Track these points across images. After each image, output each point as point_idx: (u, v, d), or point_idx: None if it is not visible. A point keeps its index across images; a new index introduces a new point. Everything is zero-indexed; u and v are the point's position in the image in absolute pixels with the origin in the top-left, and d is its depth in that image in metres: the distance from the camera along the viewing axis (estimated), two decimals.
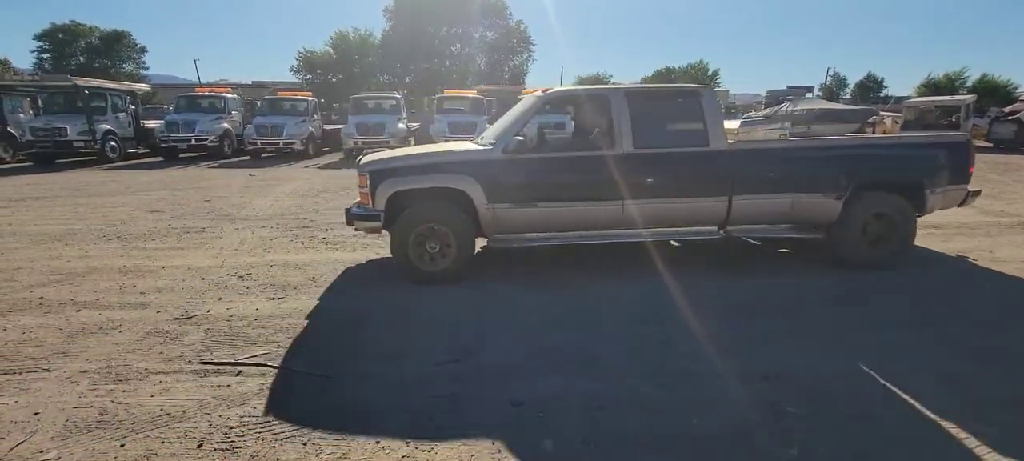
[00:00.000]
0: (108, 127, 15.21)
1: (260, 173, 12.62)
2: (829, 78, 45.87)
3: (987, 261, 5.14)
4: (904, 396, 2.74)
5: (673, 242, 4.77)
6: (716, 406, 2.64)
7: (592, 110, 4.93)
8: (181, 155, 16.21)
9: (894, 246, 4.79)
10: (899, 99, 29.06)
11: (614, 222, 4.60)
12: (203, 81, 34.74)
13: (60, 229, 6.60)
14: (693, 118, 4.61)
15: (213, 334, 3.49)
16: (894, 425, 2.49)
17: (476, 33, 39.45)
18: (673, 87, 4.93)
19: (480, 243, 4.70)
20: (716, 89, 21.63)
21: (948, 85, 40.68)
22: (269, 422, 2.51)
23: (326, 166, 14.30)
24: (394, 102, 18.11)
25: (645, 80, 42.53)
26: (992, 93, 36.18)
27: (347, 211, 4.81)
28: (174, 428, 2.46)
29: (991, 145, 17.98)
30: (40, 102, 16.62)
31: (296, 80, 36.16)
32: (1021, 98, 23.06)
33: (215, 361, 3.11)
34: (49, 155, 14.53)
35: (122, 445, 2.33)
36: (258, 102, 19.14)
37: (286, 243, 5.92)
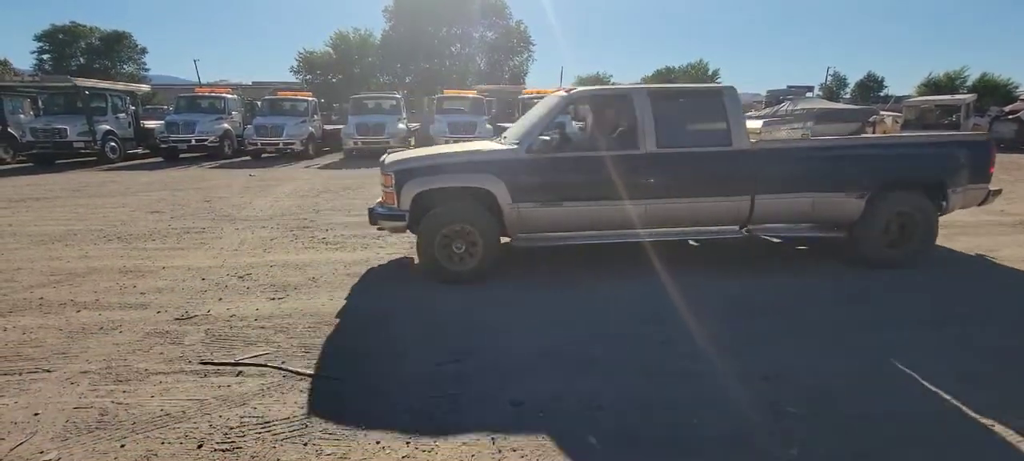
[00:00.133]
0: (108, 128, 15.21)
1: (260, 173, 12.62)
2: (829, 77, 45.87)
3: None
4: (906, 395, 2.74)
5: (692, 242, 4.78)
6: (716, 406, 2.64)
7: (615, 110, 4.95)
8: (181, 155, 16.21)
9: (916, 245, 4.80)
10: (899, 98, 29.06)
11: (637, 221, 4.62)
12: (203, 81, 34.79)
13: (60, 230, 6.60)
14: (716, 118, 4.63)
15: (213, 334, 3.49)
16: (895, 425, 2.49)
17: (476, 33, 39.46)
18: (696, 87, 4.94)
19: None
20: None
21: (948, 84, 40.69)
22: (269, 422, 2.51)
23: (326, 166, 14.30)
24: (394, 102, 18.12)
25: (645, 80, 42.53)
26: (992, 92, 36.18)
27: (371, 210, 4.83)
28: (174, 428, 2.46)
29: None
30: (40, 103, 16.62)
31: (296, 80, 36.19)
32: (1021, 97, 23.05)
33: (215, 361, 3.11)
34: (49, 156, 14.54)
35: (122, 446, 2.33)
36: (258, 102, 19.15)
37: (286, 243, 5.92)
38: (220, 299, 4.16)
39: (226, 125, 16.65)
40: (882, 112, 18.92)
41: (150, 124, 17.04)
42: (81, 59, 42.38)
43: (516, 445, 2.34)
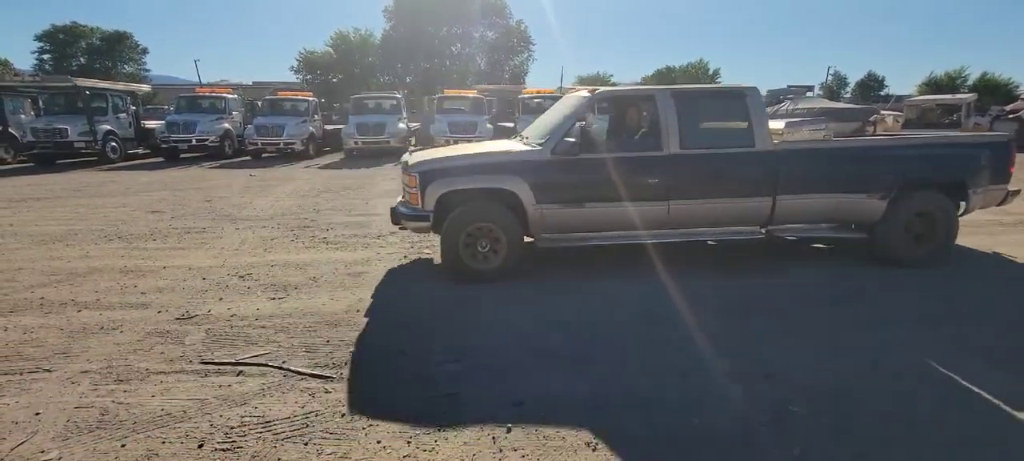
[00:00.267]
0: (109, 128, 15.22)
1: (261, 173, 12.62)
2: (830, 77, 45.88)
3: None
4: (906, 395, 2.73)
5: (709, 242, 4.79)
6: (717, 405, 2.64)
7: (638, 111, 4.95)
8: (182, 155, 16.22)
9: (937, 244, 4.81)
10: (900, 98, 29.05)
11: (660, 222, 4.63)
12: (204, 81, 34.82)
13: (61, 229, 6.61)
14: (739, 118, 4.65)
15: (214, 334, 3.49)
16: (896, 425, 2.49)
17: (476, 33, 39.49)
18: (719, 87, 4.96)
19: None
20: None
21: (949, 84, 40.70)
22: (270, 422, 2.51)
23: (326, 166, 14.30)
24: (394, 102, 18.11)
25: (645, 79, 42.54)
26: (993, 91, 36.21)
27: (393, 210, 4.85)
28: (175, 428, 2.46)
29: None
30: (41, 103, 16.62)
31: (297, 80, 36.21)
32: (1022, 96, 23.03)
33: (216, 361, 3.11)
34: (50, 156, 14.55)
35: (123, 445, 2.34)
36: (259, 102, 19.15)
37: (287, 243, 5.92)
38: (221, 299, 4.17)
39: (227, 125, 16.65)
40: (883, 111, 18.92)
41: (151, 124, 17.04)
42: (82, 59, 42.46)
43: (517, 444, 2.34)
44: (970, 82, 41.51)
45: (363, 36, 38.43)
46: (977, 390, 2.78)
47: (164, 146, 15.67)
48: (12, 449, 2.31)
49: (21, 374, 2.97)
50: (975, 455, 2.29)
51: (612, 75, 46.55)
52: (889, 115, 18.38)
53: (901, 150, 4.92)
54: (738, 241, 4.74)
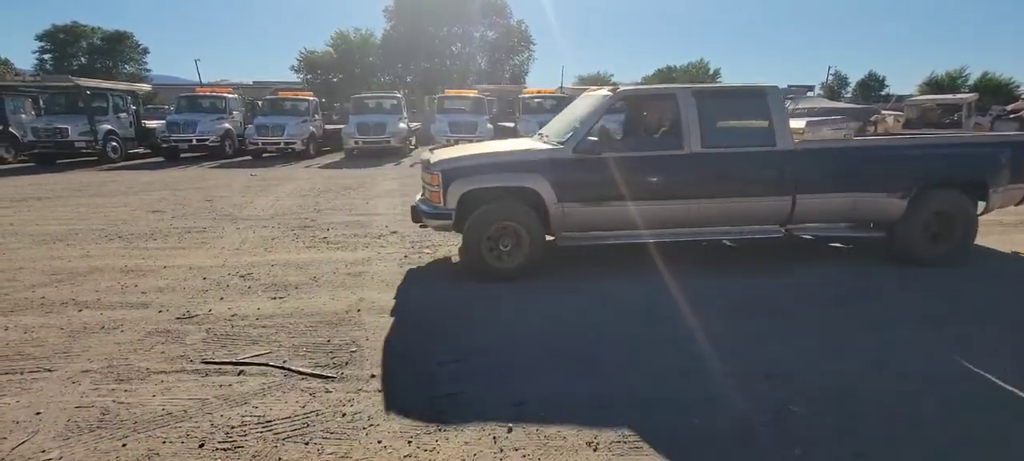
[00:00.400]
0: (109, 127, 15.22)
1: (261, 173, 12.63)
2: (830, 77, 45.87)
3: None
4: (907, 395, 2.73)
5: (726, 241, 4.80)
6: (718, 405, 2.63)
7: (659, 109, 4.94)
8: (182, 155, 16.22)
9: (957, 244, 4.82)
10: (900, 97, 29.03)
11: (680, 221, 4.64)
12: (204, 81, 34.83)
13: (62, 229, 6.61)
14: (760, 117, 4.66)
15: (215, 334, 3.49)
16: (896, 425, 2.48)
17: (477, 32, 39.49)
18: (740, 86, 4.96)
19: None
20: None
21: (950, 84, 40.69)
22: (271, 421, 2.51)
23: (327, 166, 14.30)
24: (395, 102, 18.11)
25: (646, 79, 42.54)
26: (994, 91, 36.21)
27: (414, 208, 4.87)
28: (176, 427, 2.46)
29: None
30: (42, 102, 16.63)
31: (297, 80, 36.22)
32: (1022, 96, 23.02)
33: (217, 361, 3.11)
34: (51, 155, 14.55)
35: (124, 445, 2.33)
36: (259, 102, 19.14)
37: (287, 243, 5.92)
38: (221, 298, 4.16)
39: (227, 125, 16.65)
40: (883, 111, 18.91)
41: (151, 124, 17.03)
42: (82, 59, 42.49)
43: (518, 444, 2.34)
44: (971, 82, 41.50)
45: (363, 36, 38.44)
46: (980, 390, 2.78)
47: (165, 146, 15.66)
48: (13, 449, 2.31)
49: (22, 373, 2.97)
50: (978, 455, 2.29)
51: (613, 75, 46.54)
52: (890, 115, 18.37)
53: (922, 149, 4.93)
54: (756, 240, 4.75)
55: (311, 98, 18.46)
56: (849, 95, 46.66)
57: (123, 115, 16.03)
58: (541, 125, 16.72)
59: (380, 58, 37.67)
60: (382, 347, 3.31)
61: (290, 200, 8.76)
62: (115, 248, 5.72)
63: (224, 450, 2.30)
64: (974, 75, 42.58)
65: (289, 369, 3.00)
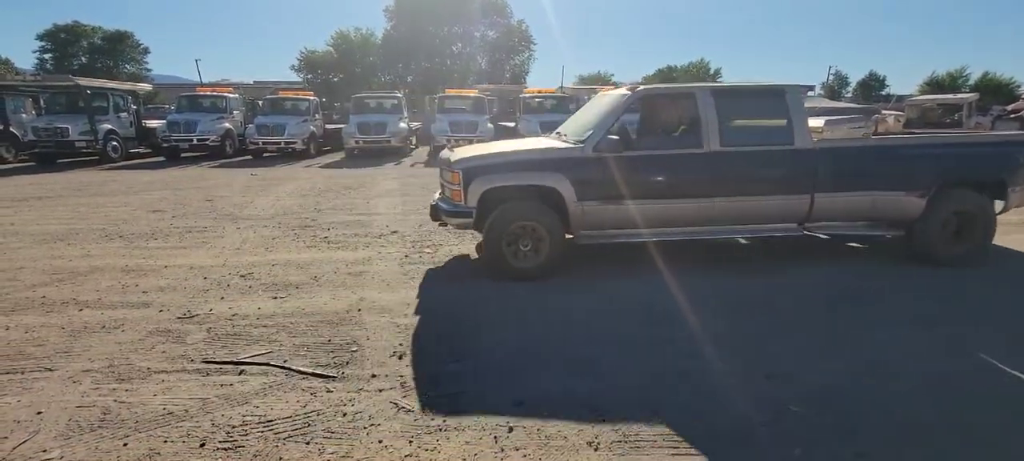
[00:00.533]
0: (110, 127, 15.21)
1: (262, 173, 12.63)
2: (831, 76, 45.86)
3: None
4: (908, 394, 2.73)
5: (741, 240, 4.81)
6: (718, 405, 2.63)
7: (678, 108, 4.95)
8: (183, 155, 16.22)
9: (976, 242, 4.82)
10: (901, 97, 29.01)
11: (698, 219, 4.66)
12: (205, 81, 34.83)
13: (62, 229, 6.61)
14: (778, 116, 4.66)
15: (215, 333, 3.49)
16: (897, 425, 2.48)
17: (477, 32, 39.47)
18: (759, 85, 4.99)
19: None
20: None
21: (950, 83, 40.68)
22: (271, 421, 2.51)
23: (327, 165, 14.30)
24: (395, 101, 18.13)
25: (646, 79, 42.53)
26: (994, 91, 36.19)
27: (433, 206, 4.90)
28: (177, 427, 2.46)
29: None
30: (42, 102, 16.63)
31: (298, 80, 36.22)
32: (1023, 96, 23.00)
33: (218, 360, 3.11)
34: (51, 155, 14.55)
35: (125, 444, 2.34)
36: (260, 102, 19.15)
37: (288, 242, 5.93)
38: (222, 298, 4.17)
39: (227, 124, 16.65)
40: (884, 111, 18.89)
41: (152, 123, 17.04)
42: (83, 58, 42.51)
43: (519, 443, 2.34)
44: (971, 82, 41.49)
45: (364, 35, 38.44)
46: (980, 390, 2.78)
47: (165, 145, 15.67)
48: (14, 448, 2.31)
49: (23, 373, 2.97)
50: (978, 455, 2.29)
51: (613, 75, 46.55)
52: (890, 115, 18.34)
53: (941, 148, 4.93)
54: (769, 239, 4.75)
55: (311, 98, 18.46)
56: (849, 95, 46.64)
57: (123, 115, 16.03)
58: (542, 125, 16.69)
59: (380, 58, 37.66)
60: (382, 346, 3.31)
61: (291, 200, 8.76)
62: (116, 248, 5.72)
63: (225, 450, 2.30)
64: (975, 75, 42.60)
65: (290, 369, 3.01)
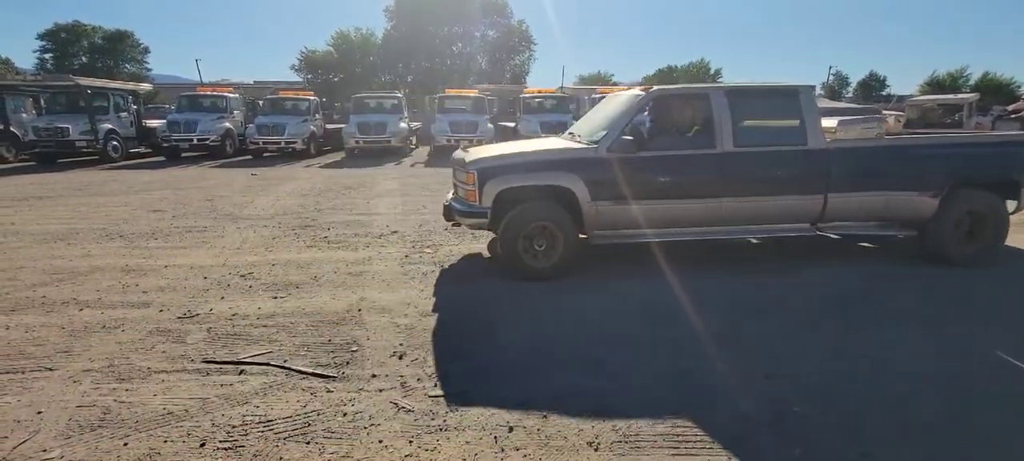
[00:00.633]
0: (110, 127, 15.21)
1: (262, 172, 12.63)
2: (831, 76, 45.86)
3: None
4: (909, 395, 2.73)
5: (752, 239, 4.83)
6: (720, 405, 2.63)
7: (692, 109, 4.96)
8: (183, 155, 16.22)
9: (988, 242, 4.83)
10: (901, 97, 29.01)
11: (712, 219, 4.68)
12: (205, 80, 34.84)
13: (62, 228, 6.61)
14: (792, 117, 4.68)
15: (215, 333, 3.49)
16: (898, 425, 2.48)
17: (477, 32, 39.45)
18: (772, 86, 5.00)
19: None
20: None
21: (951, 83, 40.68)
22: (271, 421, 2.51)
23: (328, 165, 14.30)
24: (396, 101, 18.12)
25: (647, 79, 42.52)
26: (995, 91, 36.18)
27: (447, 206, 4.92)
28: (177, 427, 2.46)
29: None
30: (42, 102, 16.62)
31: (298, 79, 36.22)
32: (1023, 96, 23.00)
33: (218, 360, 3.11)
34: (51, 155, 14.55)
35: (125, 444, 2.34)
36: (260, 102, 19.14)
37: (288, 242, 5.93)
38: (222, 298, 4.17)
39: (228, 124, 16.65)
40: (884, 111, 18.89)
41: (152, 123, 17.03)
42: (83, 58, 42.50)
43: (519, 443, 2.34)
44: (972, 82, 41.49)
45: (364, 35, 38.42)
46: (982, 390, 2.78)
47: (165, 145, 15.66)
48: (14, 448, 2.31)
49: (23, 373, 2.97)
50: (982, 455, 2.29)
51: (613, 75, 46.56)
52: (891, 115, 18.34)
53: (955, 148, 4.93)
54: (779, 239, 4.76)
55: (312, 98, 18.45)
56: (850, 95, 46.62)
57: (124, 114, 16.03)
58: (542, 125, 16.64)
59: (381, 58, 37.64)
60: (382, 346, 3.30)
61: (291, 200, 8.76)
62: (116, 247, 5.72)
63: (225, 449, 2.30)
64: (975, 75, 42.59)
65: (290, 368, 3.01)
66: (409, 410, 2.60)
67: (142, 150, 16.77)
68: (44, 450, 2.29)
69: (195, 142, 15.66)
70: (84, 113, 14.57)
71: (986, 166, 4.84)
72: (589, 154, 4.56)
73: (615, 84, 36.84)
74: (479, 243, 5.81)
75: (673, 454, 2.28)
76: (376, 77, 37.17)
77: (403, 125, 16.95)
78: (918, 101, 19.59)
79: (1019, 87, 38.58)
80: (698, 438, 2.38)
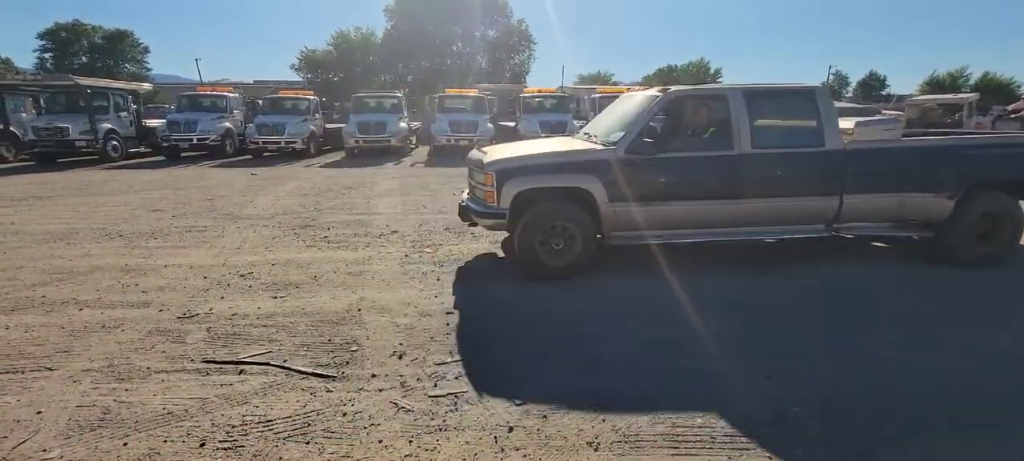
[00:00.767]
0: (110, 126, 15.19)
1: (262, 172, 12.62)
2: (831, 76, 45.84)
3: None
4: (910, 395, 2.73)
5: (767, 239, 4.84)
6: (720, 405, 2.63)
7: (709, 110, 4.97)
8: (183, 154, 16.20)
9: (1004, 244, 4.82)
10: (901, 97, 29.01)
11: (728, 220, 4.69)
12: (205, 80, 34.85)
13: (62, 228, 6.61)
14: (809, 117, 4.69)
15: (215, 333, 3.49)
16: (899, 425, 2.48)
17: (477, 32, 39.40)
18: (789, 86, 5.01)
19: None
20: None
21: (951, 83, 40.69)
22: (271, 421, 2.51)
23: (327, 165, 14.29)
24: (395, 101, 18.10)
25: (647, 79, 42.52)
26: (995, 91, 36.20)
27: (463, 206, 4.94)
28: (177, 427, 2.46)
29: None
30: (42, 101, 16.60)
31: (298, 79, 36.20)
32: (1023, 96, 22.99)
33: (217, 360, 3.11)
34: (51, 154, 14.54)
35: (125, 444, 2.34)
36: (260, 101, 19.12)
37: (288, 242, 5.92)
38: (222, 297, 4.17)
39: (228, 124, 16.62)
40: (884, 111, 18.89)
41: (152, 123, 17.00)
42: (83, 58, 42.47)
43: (519, 443, 2.34)
44: (972, 81, 41.51)
45: (364, 35, 38.39)
46: (983, 390, 2.78)
47: (165, 145, 15.64)
48: (14, 448, 2.31)
49: (23, 372, 2.97)
50: (982, 455, 2.29)
51: (613, 74, 46.58)
52: (891, 115, 18.34)
53: (972, 150, 4.91)
54: (794, 238, 4.77)
55: (312, 97, 18.43)
56: (849, 95, 46.63)
57: (124, 114, 16.01)
58: (541, 124, 16.60)
59: (381, 57, 37.62)
60: (382, 346, 3.30)
61: (291, 199, 8.76)
62: (116, 247, 5.72)
63: (225, 449, 2.30)
64: (975, 75, 42.62)
65: (290, 368, 3.01)
66: (409, 410, 2.60)
67: (142, 150, 16.75)
68: (44, 450, 2.29)
69: (195, 142, 15.63)
70: (84, 113, 14.56)
71: (1003, 167, 4.81)
72: (607, 155, 4.57)
73: (615, 84, 36.85)
74: (478, 243, 5.81)
75: (673, 454, 2.28)
76: (376, 77, 37.16)
77: (403, 125, 16.94)
78: (918, 101, 19.60)
79: (1019, 87, 38.60)
80: (698, 438, 2.38)
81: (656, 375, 2.94)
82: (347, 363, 3.08)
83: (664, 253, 4.75)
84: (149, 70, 45.93)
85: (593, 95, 18.42)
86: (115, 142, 15.26)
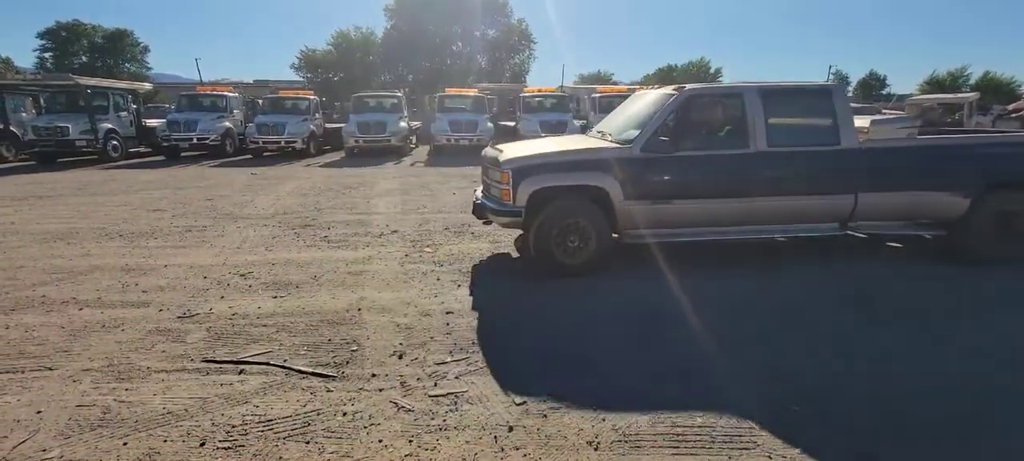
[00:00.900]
0: (110, 126, 15.19)
1: (262, 172, 12.62)
2: (831, 76, 45.79)
3: None
4: (910, 395, 2.73)
5: (779, 238, 4.85)
6: (720, 404, 2.63)
7: (725, 108, 4.97)
8: (183, 154, 16.20)
9: (1019, 242, 4.81)
10: (902, 97, 29.00)
11: (743, 218, 4.70)
12: (205, 80, 34.83)
13: (62, 228, 6.61)
14: (824, 116, 4.69)
15: (215, 332, 3.49)
16: (900, 425, 2.48)
17: (477, 31, 39.36)
18: (805, 85, 5.02)
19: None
20: None
21: (951, 83, 40.69)
22: (271, 420, 2.51)
23: (327, 164, 14.29)
24: (395, 100, 18.11)
25: (647, 79, 42.51)
26: (995, 90, 36.21)
27: (477, 204, 4.96)
28: (177, 426, 2.46)
29: None
30: (42, 101, 16.60)
31: (298, 79, 36.20)
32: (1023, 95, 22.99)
33: (217, 359, 3.11)
34: (51, 154, 14.54)
35: (125, 443, 2.34)
36: (260, 101, 19.12)
37: (288, 241, 5.92)
38: (222, 297, 4.16)
39: (228, 123, 16.62)
40: (884, 111, 18.89)
41: (152, 122, 16.99)
42: (83, 57, 42.47)
43: (519, 443, 2.34)
44: (972, 81, 41.51)
45: (364, 35, 38.37)
46: (984, 389, 2.78)
47: (165, 144, 15.63)
48: (14, 447, 2.31)
49: (23, 372, 2.97)
50: (982, 454, 2.29)
51: (613, 74, 46.55)
52: (890, 114, 18.34)
53: (986, 149, 4.91)
54: (815, 237, 4.80)
55: (312, 97, 18.42)
56: (850, 94, 46.62)
57: (124, 114, 16.01)
58: (541, 123, 16.59)
59: (381, 57, 37.60)
60: (381, 346, 3.30)
61: (291, 199, 8.76)
62: (116, 247, 5.72)
63: (225, 449, 2.30)
64: (975, 74, 42.62)
65: (290, 368, 3.00)
66: (409, 410, 2.60)
67: (142, 149, 16.74)
68: (44, 450, 2.29)
69: (195, 141, 15.63)
70: (84, 112, 14.55)
71: (1018, 166, 4.80)
72: (623, 154, 4.58)
73: (615, 83, 36.84)
74: (479, 242, 5.81)
75: (673, 454, 2.28)
76: (376, 76, 37.15)
77: (403, 124, 16.94)
78: (918, 100, 19.61)
79: (1019, 86, 38.61)
80: (698, 438, 2.38)
81: (656, 375, 2.94)
82: (347, 363, 3.08)
83: (669, 251, 4.75)
84: (149, 70, 45.96)
85: (593, 95, 18.43)
86: (115, 142, 15.25)
